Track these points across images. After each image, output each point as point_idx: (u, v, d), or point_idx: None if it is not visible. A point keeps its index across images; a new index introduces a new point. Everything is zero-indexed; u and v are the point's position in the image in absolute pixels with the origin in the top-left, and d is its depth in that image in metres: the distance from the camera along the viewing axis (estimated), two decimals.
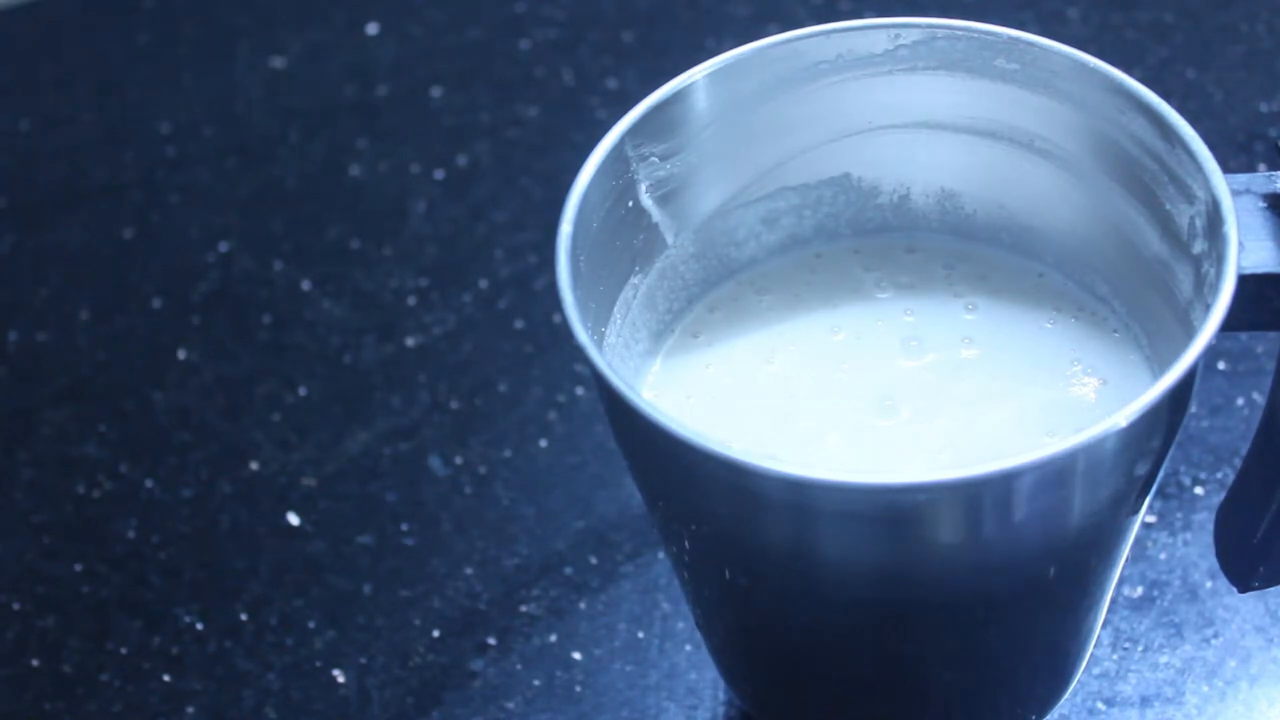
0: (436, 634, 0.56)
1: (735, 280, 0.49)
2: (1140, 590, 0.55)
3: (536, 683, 0.54)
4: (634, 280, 0.46)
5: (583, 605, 0.56)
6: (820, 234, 0.49)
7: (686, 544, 0.43)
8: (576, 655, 0.55)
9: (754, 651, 0.48)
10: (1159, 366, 0.45)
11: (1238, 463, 0.55)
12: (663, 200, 0.46)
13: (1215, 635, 0.54)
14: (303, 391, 0.63)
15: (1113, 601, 0.53)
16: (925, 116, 0.46)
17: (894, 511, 0.38)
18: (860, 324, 0.47)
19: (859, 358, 0.46)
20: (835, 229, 0.49)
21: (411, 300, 0.66)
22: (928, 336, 0.46)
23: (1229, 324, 0.39)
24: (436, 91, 0.74)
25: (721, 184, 0.47)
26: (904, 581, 0.40)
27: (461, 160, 0.71)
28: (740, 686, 0.50)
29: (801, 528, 0.39)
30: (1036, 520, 0.39)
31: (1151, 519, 0.56)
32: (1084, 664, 0.48)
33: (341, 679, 0.55)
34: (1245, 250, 0.40)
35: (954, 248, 0.49)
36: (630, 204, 0.45)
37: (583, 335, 0.39)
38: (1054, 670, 0.47)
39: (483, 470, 0.60)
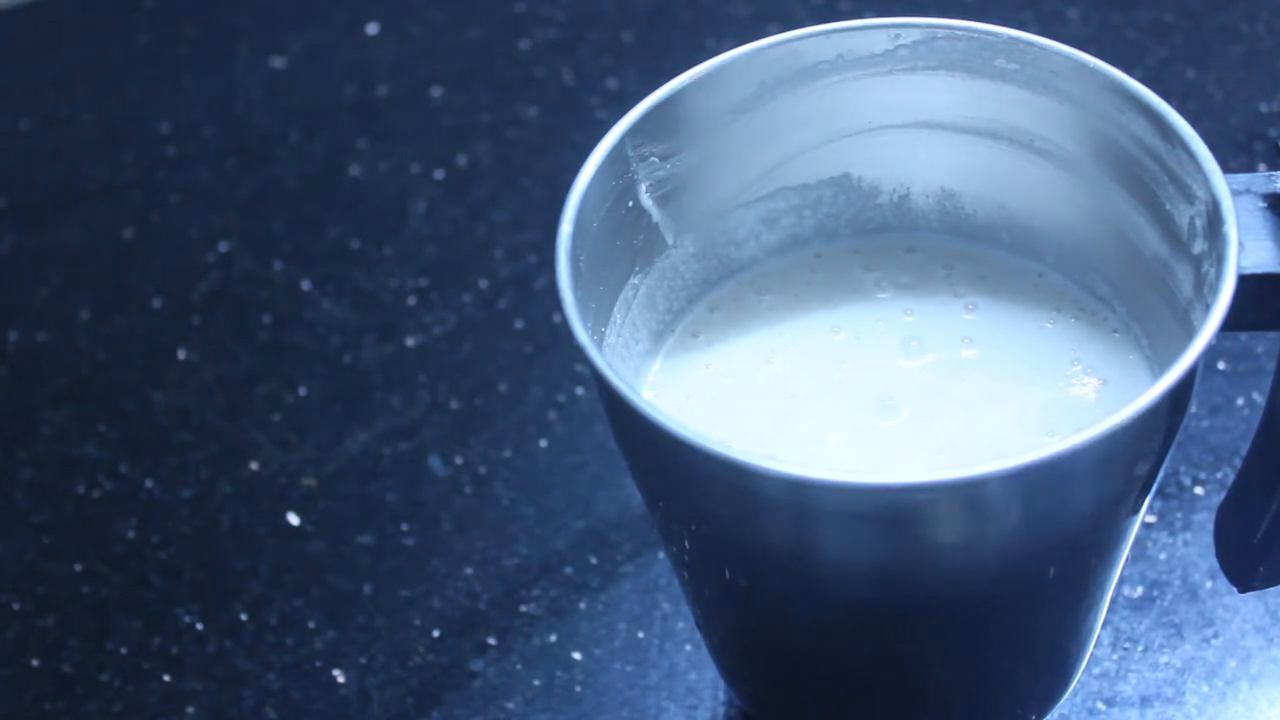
0: (436, 634, 0.56)
1: (735, 280, 0.49)
2: (1140, 590, 0.55)
3: (536, 683, 0.54)
4: (634, 280, 0.46)
5: (583, 605, 0.56)
6: (820, 234, 0.49)
7: (686, 544, 0.43)
8: (576, 655, 0.55)
9: (754, 651, 0.48)
10: (1159, 366, 0.45)
11: (1238, 463, 0.55)
12: (663, 200, 0.46)
13: (1215, 635, 0.54)
14: (303, 391, 0.63)
15: (1113, 601, 0.53)
16: (925, 116, 0.46)
17: (894, 511, 0.38)
18: (860, 324, 0.47)
19: (859, 358, 0.46)
20: (835, 229, 0.49)
21: (411, 300, 0.66)
22: (928, 336, 0.46)
23: (1229, 324, 0.39)
24: (436, 91, 0.74)
25: (721, 184, 0.47)
26: (904, 581, 0.40)
27: (461, 160, 0.71)
28: (740, 686, 0.50)
29: (801, 528, 0.39)
30: (1036, 520, 0.39)
31: (1151, 519, 0.56)
32: (1084, 664, 0.48)
33: (341, 679, 0.55)
34: (1245, 250, 0.40)
35: (954, 248, 0.49)
36: (630, 204, 0.45)
37: (583, 335, 0.39)
38: (1054, 670, 0.47)
39: (483, 470, 0.60)
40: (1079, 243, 0.47)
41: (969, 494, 0.38)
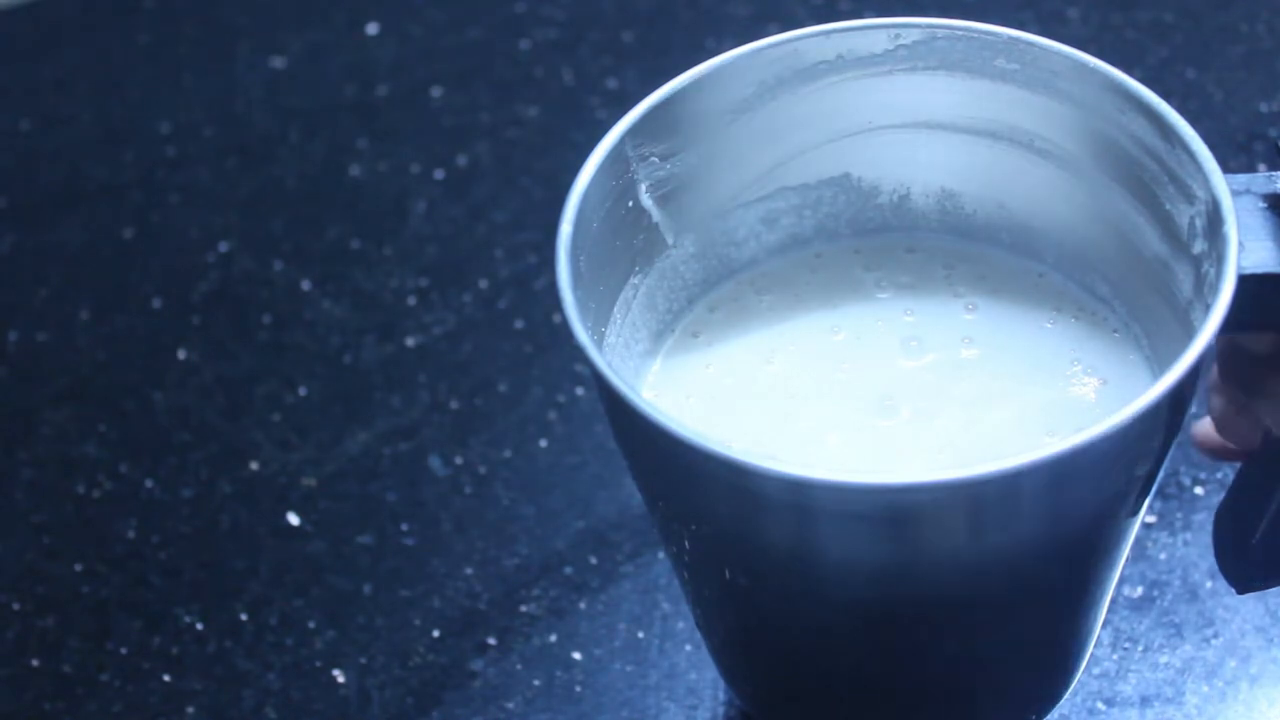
0: (436, 634, 0.56)
1: (735, 280, 0.49)
2: (1140, 590, 0.55)
3: (536, 683, 0.54)
4: (634, 280, 0.46)
5: (583, 605, 0.56)
6: (820, 234, 0.49)
7: (686, 544, 0.43)
8: (576, 655, 0.55)
9: (754, 651, 0.48)
10: (1159, 366, 0.45)
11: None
12: (663, 200, 0.46)
13: (1215, 635, 0.54)
14: (303, 391, 0.63)
15: (1113, 601, 0.53)
16: (925, 116, 0.46)
17: (894, 512, 0.38)
18: (860, 324, 0.47)
19: (859, 358, 0.46)
20: (835, 229, 0.49)
21: (411, 300, 0.66)
22: (928, 336, 0.46)
23: (1229, 324, 0.39)
24: (436, 91, 0.74)
25: (721, 184, 0.47)
26: (904, 581, 0.40)
27: (461, 160, 0.71)
28: (740, 686, 0.50)
29: (801, 528, 0.39)
30: (1036, 520, 0.39)
31: (1151, 519, 0.56)
32: (1084, 664, 0.48)
33: (341, 679, 0.55)
34: (1245, 250, 0.40)
35: (954, 248, 0.49)
36: (630, 204, 0.45)
37: (583, 336, 0.39)
38: (1054, 670, 0.47)
39: (483, 470, 0.60)
40: (1079, 243, 0.47)
41: (969, 494, 0.38)
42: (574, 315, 0.40)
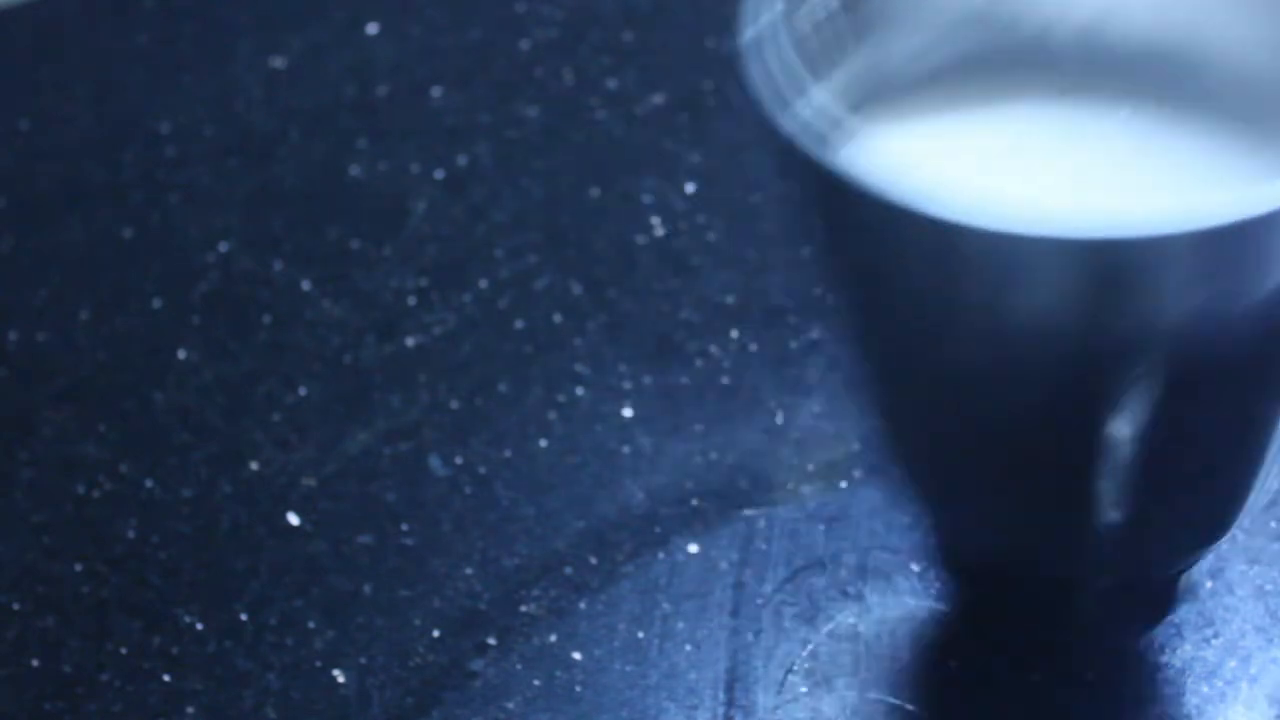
0: (436, 634, 0.56)
1: (892, 103, 0.47)
2: None
3: (536, 683, 0.54)
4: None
5: (583, 605, 0.56)
6: (969, 65, 0.48)
7: (880, 325, 0.43)
8: (576, 655, 0.55)
9: (942, 438, 0.46)
10: None
11: None
12: (807, 38, 0.45)
13: (1215, 635, 0.54)
14: (303, 391, 0.63)
15: None
16: None
17: (1116, 260, 0.37)
18: (1031, 127, 0.46)
19: (1034, 150, 0.45)
20: (984, 58, 0.48)
21: (411, 300, 0.66)
22: (1097, 142, 0.45)
23: None
24: (436, 91, 0.74)
25: (875, 20, 0.46)
26: (1112, 346, 0.39)
27: (461, 160, 0.71)
28: (922, 484, 0.49)
29: (1004, 284, 0.39)
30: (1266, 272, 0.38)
31: None
32: (1248, 501, 0.47)
33: (341, 679, 0.55)
34: None
35: (1107, 80, 0.47)
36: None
37: (787, 118, 0.39)
38: (1225, 490, 0.46)
39: (483, 470, 0.60)
40: (1238, 64, 0.46)
41: (1206, 240, 0.37)
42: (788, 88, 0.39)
